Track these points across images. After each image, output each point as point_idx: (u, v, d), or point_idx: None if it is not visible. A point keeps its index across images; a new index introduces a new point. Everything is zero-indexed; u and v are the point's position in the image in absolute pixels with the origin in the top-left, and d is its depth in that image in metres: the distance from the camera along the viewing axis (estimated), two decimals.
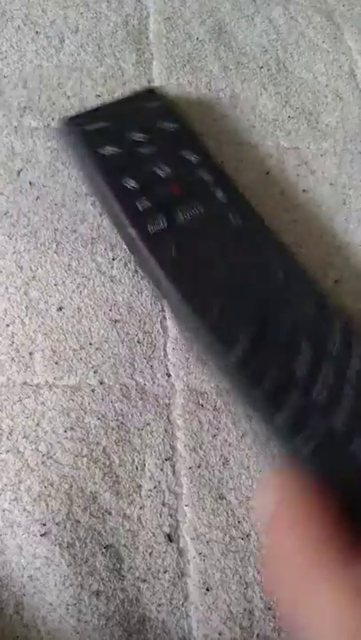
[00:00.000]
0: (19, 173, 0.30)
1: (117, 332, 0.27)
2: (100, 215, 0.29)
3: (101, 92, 0.33)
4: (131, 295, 0.27)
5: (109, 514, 0.24)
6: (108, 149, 0.28)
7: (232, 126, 0.33)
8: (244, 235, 0.26)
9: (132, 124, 0.29)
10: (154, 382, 0.26)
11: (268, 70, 0.35)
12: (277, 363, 0.22)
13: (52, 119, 0.31)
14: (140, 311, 0.27)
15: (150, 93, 0.30)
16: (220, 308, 0.24)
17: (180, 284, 0.24)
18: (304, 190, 0.31)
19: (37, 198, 0.29)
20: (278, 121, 0.34)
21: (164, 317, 0.27)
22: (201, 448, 0.25)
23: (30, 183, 0.29)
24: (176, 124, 0.29)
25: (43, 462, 0.24)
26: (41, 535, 0.23)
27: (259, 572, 0.23)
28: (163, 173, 0.27)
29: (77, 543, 0.23)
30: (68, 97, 0.32)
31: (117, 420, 0.25)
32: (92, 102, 0.32)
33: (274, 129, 0.33)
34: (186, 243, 0.25)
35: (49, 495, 0.24)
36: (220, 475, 0.25)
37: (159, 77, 0.34)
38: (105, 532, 0.24)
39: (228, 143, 0.32)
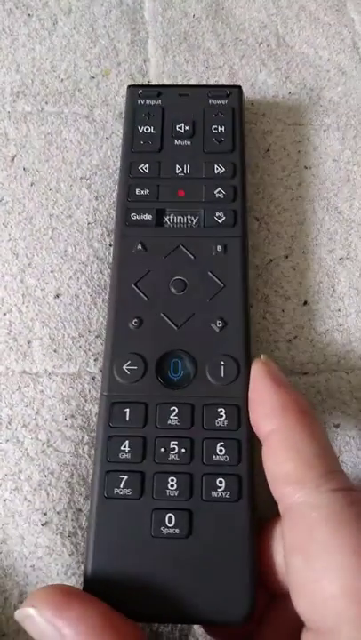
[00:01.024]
0: (13, 159, 0.29)
1: None
2: (97, 199, 0.28)
3: (96, 74, 0.32)
4: None
5: None
6: (146, 129, 0.27)
7: None
8: (214, 268, 0.24)
9: (186, 113, 0.28)
10: None
11: (268, 46, 0.34)
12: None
13: (46, 103, 0.31)
14: None
15: (234, 89, 0.29)
16: (140, 322, 0.23)
17: (121, 285, 0.24)
18: (306, 167, 0.30)
19: (32, 184, 0.29)
20: (279, 97, 0.33)
21: None
22: None
23: (24, 169, 0.29)
24: (230, 130, 0.27)
25: (43, 451, 0.24)
26: (42, 524, 0.23)
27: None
28: (181, 172, 0.26)
29: (79, 532, 0.23)
30: (62, 80, 0.32)
31: None
32: (87, 84, 0.31)
33: (274, 105, 0.32)
34: (155, 246, 0.25)
35: (50, 484, 0.24)
36: None
37: (155, 56, 0.33)
38: None
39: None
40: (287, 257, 0.28)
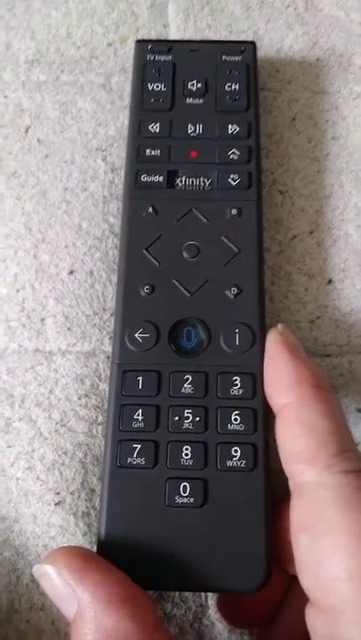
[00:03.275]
0: (27, 130, 0.28)
1: None
2: (112, 172, 0.27)
3: (113, 40, 0.31)
4: None
5: None
6: (156, 86, 0.26)
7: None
8: (228, 232, 0.23)
9: (198, 69, 0.26)
10: None
11: (295, 9, 0.32)
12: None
13: (62, 71, 0.30)
14: None
15: (248, 45, 0.27)
16: (151, 289, 0.22)
17: (131, 250, 0.23)
18: (333, 137, 0.29)
19: (46, 156, 0.28)
20: (306, 64, 0.31)
21: None
22: None
23: (39, 140, 0.28)
24: (244, 88, 0.26)
25: (56, 430, 0.24)
26: (55, 504, 0.23)
27: None
28: (193, 132, 0.25)
29: (92, 512, 0.23)
30: (78, 47, 0.30)
31: None
32: (104, 52, 0.30)
33: (301, 72, 0.30)
34: (166, 210, 0.24)
35: (63, 464, 0.23)
36: None
37: (175, 21, 0.31)
38: None
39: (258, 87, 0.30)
40: (312, 232, 0.27)
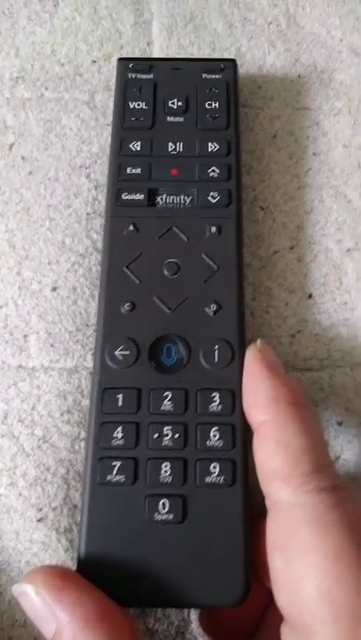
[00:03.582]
0: (11, 147, 0.29)
1: None
2: (96, 189, 0.28)
3: (97, 58, 0.31)
4: None
5: None
6: (138, 104, 0.26)
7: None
8: (208, 250, 0.23)
9: (179, 88, 0.27)
10: None
11: (278, 26, 0.33)
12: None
13: (46, 89, 0.30)
14: None
15: (229, 63, 0.28)
16: (132, 306, 0.23)
17: (112, 268, 0.23)
18: (314, 153, 0.29)
19: (30, 173, 0.28)
20: (287, 80, 0.31)
21: None
22: None
23: (23, 158, 0.28)
24: (224, 106, 0.26)
25: (39, 446, 0.24)
26: (37, 520, 0.23)
27: None
28: (173, 150, 0.25)
29: (75, 528, 0.23)
30: (63, 64, 0.31)
31: None
32: (88, 69, 0.31)
33: (283, 89, 0.31)
34: (147, 228, 0.24)
35: (45, 480, 0.23)
36: None
37: (159, 38, 0.32)
38: None
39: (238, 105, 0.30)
40: (292, 248, 0.27)
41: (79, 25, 0.32)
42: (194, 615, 0.23)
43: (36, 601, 0.18)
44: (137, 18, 0.32)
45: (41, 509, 0.23)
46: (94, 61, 0.31)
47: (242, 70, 0.31)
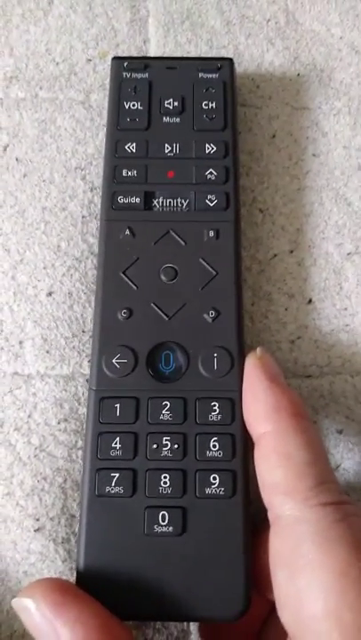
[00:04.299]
0: (5, 149, 0.28)
1: None
2: (92, 191, 0.27)
3: (92, 56, 0.30)
4: None
5: None
6: (133, 104, 0.25)
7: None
8: (206, 255, 0.23)
9: (175, 87, 0.26)
10: None
11: (276, 23, 0.32)
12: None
13: (40, 88, 0.29)
14: None
15: (225, 62, 0.27)
16: (129, 313, 0.22)
17: (108, 273, 0.23)
18: (314, 154, 0.29)
19: (25, 175, 0.27)
20: (286, 79, 0.31)
21: None
22: None
23: (17, 159, 0.28)
24: (221, 106, 0.26)
25: (35, 455, 0.23)
26: (35, 530, 0.23)
27: None
28: (170, 152, 0.25)
29: (72, 538, 0.23)
30: (57, 63, 0.30)
31: None
32: (83, 68, 0.30)
33: (281, 88, 0.30)
34: (143, 232, 0.23)
35: (42, 489, 0.23)
36: None
37: (155, 36, 0.31)
38: None
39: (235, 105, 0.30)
40: (292, 252, 0.27)
41: (74, 23, 0.31)
42: (193, 627, 0.22)
43: (36, 616, 0.17)
44: (133, 15, 0.32)
45: (38, 519, 0.23)
46: (89, 60, 0.30)
47: (240, 69, 0.31)
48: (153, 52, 0.31)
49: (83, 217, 0.27)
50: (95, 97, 0.29)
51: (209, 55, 0.31)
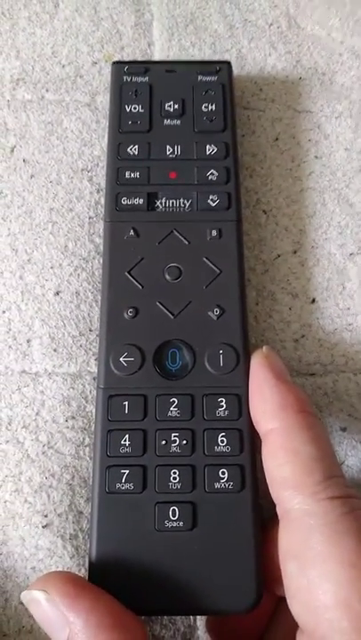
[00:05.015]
0: (12, 150, 0.28)
1: None
2: (98, 192, 0.28)
3: (98, 59, 0.31)
4: None
5: None
6: (134, 108, 0.26)
7: (238, 89, 0.31)
8: (209, 253, 0.23)
9: (175, 90, 0.27)
10: None
11: (278, 28, 0.33)
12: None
13: (47, 90, 0.30)
14: None
15: (224, 65, 0.28)
16: (135, 312, 0.23)
17: (113, 274, 0.23)
18: (316, 156, 0.29)
19: (32, 176, 0.28)
20: (288, 82, 0.31)
21: None
22: None
23: (24, 160, 0.28)
24: (220, 108, 0.26)
25: (43, 452, 0.24)
26: (43, 527, 0.23)
27: None
28: (171, 153, 0.25)
29: (80, 534, 0.23)
30: (63, 66, 0.30)
31: None
32: (89, 70, 0.30)
33: (284, 91, 0.31)
34: (147, 232, 0.24)
35: (50, 486, 0.23)
36: None
37: (160, 40, 0.32)
38: None
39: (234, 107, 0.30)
40: (295, 252, 0.27)
41: (79, 26, 0.32)
42: (200, 622, 0.23)
43: (47, 608, 0.18)
44: (137, 19, 0.32)
45: (46, 516, 0.23)
46: (95, 63, 0.31)
47: (243, 72, 0.31)
48: (157, 55, 0.31)
49: (89, 218, 0.27)
50: (101, 99, 0.30)
51: (213, 58, 0.31)
